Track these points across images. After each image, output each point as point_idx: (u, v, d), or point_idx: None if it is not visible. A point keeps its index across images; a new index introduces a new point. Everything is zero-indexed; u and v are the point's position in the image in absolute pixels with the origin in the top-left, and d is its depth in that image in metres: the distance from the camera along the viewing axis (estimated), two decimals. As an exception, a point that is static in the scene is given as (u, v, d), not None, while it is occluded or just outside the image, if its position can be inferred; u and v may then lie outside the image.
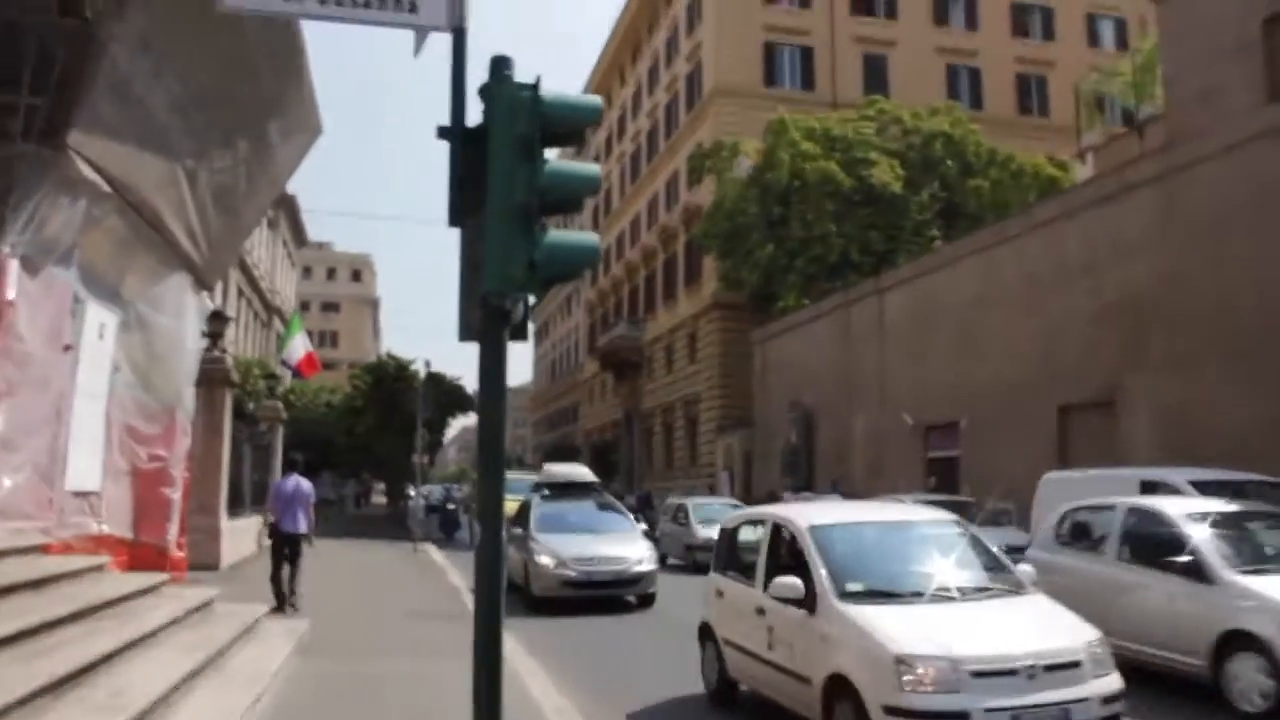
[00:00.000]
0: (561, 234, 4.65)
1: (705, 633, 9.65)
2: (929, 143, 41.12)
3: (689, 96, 52.98)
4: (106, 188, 11.56)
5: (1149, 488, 13.54)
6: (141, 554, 15.27)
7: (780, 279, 40.04)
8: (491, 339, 4.49)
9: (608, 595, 16.25)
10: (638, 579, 16.53)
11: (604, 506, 19.67)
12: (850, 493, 26.07)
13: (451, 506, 35.94)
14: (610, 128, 71.15)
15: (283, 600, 13.95)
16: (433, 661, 10.33)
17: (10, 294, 10.09)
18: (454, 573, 20.74)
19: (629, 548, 17.01)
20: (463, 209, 4.44)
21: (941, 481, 26.06)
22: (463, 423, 64.28)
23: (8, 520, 10.16)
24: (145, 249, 14.17)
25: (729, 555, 9.73)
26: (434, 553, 26.57)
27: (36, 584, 8.57)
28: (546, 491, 19.88)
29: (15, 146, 10.15)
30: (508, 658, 8.93)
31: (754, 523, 9.64)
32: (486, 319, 4.42)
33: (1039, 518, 15.46)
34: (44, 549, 10.71)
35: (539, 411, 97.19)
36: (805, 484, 32.50)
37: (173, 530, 15.83)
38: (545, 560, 16.28)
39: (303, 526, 14.59)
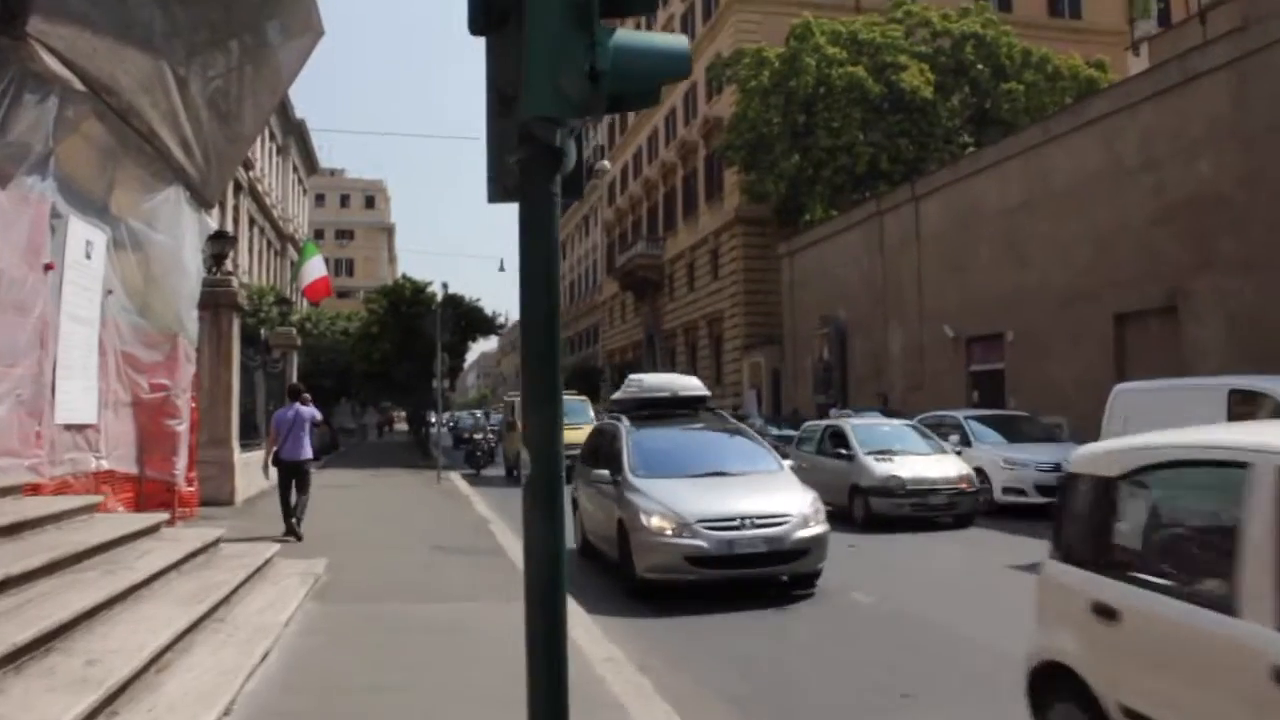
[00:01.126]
0: (637, 34, 3.33)
1: (1061, 685, 4.80)
2: (959, 46, 39.28)
3: (705, 4, 50.97)
4: (80, 85, 10.33)
5: (1239, 397, 12.33)
6: (148, 491, 14.38)
7: (806, 190, 38.63)
8: (536, 191, 3.16)
9: (756, 576, 10.52)
10: (803, 549, 10.55)
11: (728, 433, 13.43)
12: (893, 409, 24.93)
13: (480, 436, 31.92)
14: (624, 41, 68.96)
15: (290, 530, 14.16)
16: (465, 606, 9.31)
17: (-28, 204, 8.94)
18: (480, 502, 19.74)
19: (785, 499, 11.03)
20: (489, 8, 3.15)
21: (985, 395, 24.87)
22: (481, 347, 63.28)
23: (-14, 458, 9.14)
24: (134, 160, 12.97)
25: (1108, 534, 4.84)
26: (459, 481, 25.63)
27: (11, 530, 7.53)
28: (611, 414, 14.04)
29: (-33, 34, 8.91)
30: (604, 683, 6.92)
31: (1208, 466, 4.40)
32: (528, 164, 3.08)
33: (1111, 432, 14.35)
34: (33, 489, 9.69)
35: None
36: (840, 400, 31.36)
37: (180, 464, 14.84)
38: (656, 522, 10.46)
39: (306, 453, 14.80)
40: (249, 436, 20.11)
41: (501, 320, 40.53)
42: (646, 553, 10.55)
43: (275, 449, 14.93)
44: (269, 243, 57.85)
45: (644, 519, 10.63)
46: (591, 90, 2.90)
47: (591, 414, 26.34)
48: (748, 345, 44.57)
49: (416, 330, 32.12)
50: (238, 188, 46.34)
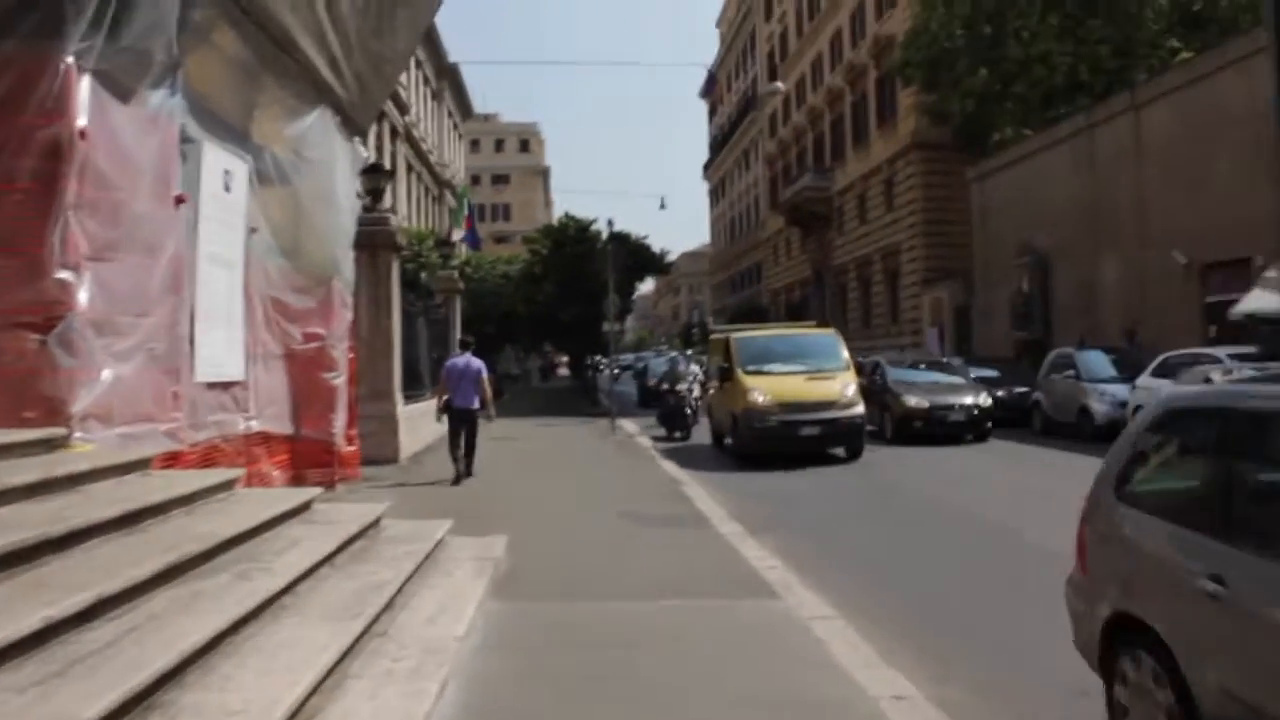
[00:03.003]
0: None
1: None
2: (1166, -65, 35.20)
3: (876, -88, 47.60)
4: (203, -20, 8.69)
5: None
6: (306, 452, 13.09)
7: (995, 108, 35.30)
8: None
9: None
10: None
11: None
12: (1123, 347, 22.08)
13: (683, 387, 23.74)
14: (785, -37, 65.88)
15: (459, 475, 14.79)
16: (681, 605, 7.44)
17: (81, 119, 7.38)
18: (665, 459, 17.95)
19: None
20: None
21: (1224, 331, 21.76)
22: (642, 290, 61.68)
23: (112, 425, 7.66)
24: (275, 80, 11.38)
25: None
26: (634, 431, 23.92)
27: (128, 521, 5.94)
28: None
29: (65, -88, 7.29)
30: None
31: None
32: None
33: None
34: (171, 459, 8.24)
35: (719, 275, 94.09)
36: (1042, 337, 28.45)
37: (339, 421, 13.44)
38: None
39: (476, 402, 15.08)
40: (412, 387, 18.78)
41: (669, 259, 38.68)
42: None
43: (446, 397, 15.14)
44: (426, 189, 57.32)
45: None
46: None
47: (846, 355, 19.17)
48: (927, 280, 41.66)
49: (582, 270, 30.55)
50: (394, 133, 45.55)
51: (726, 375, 19.08)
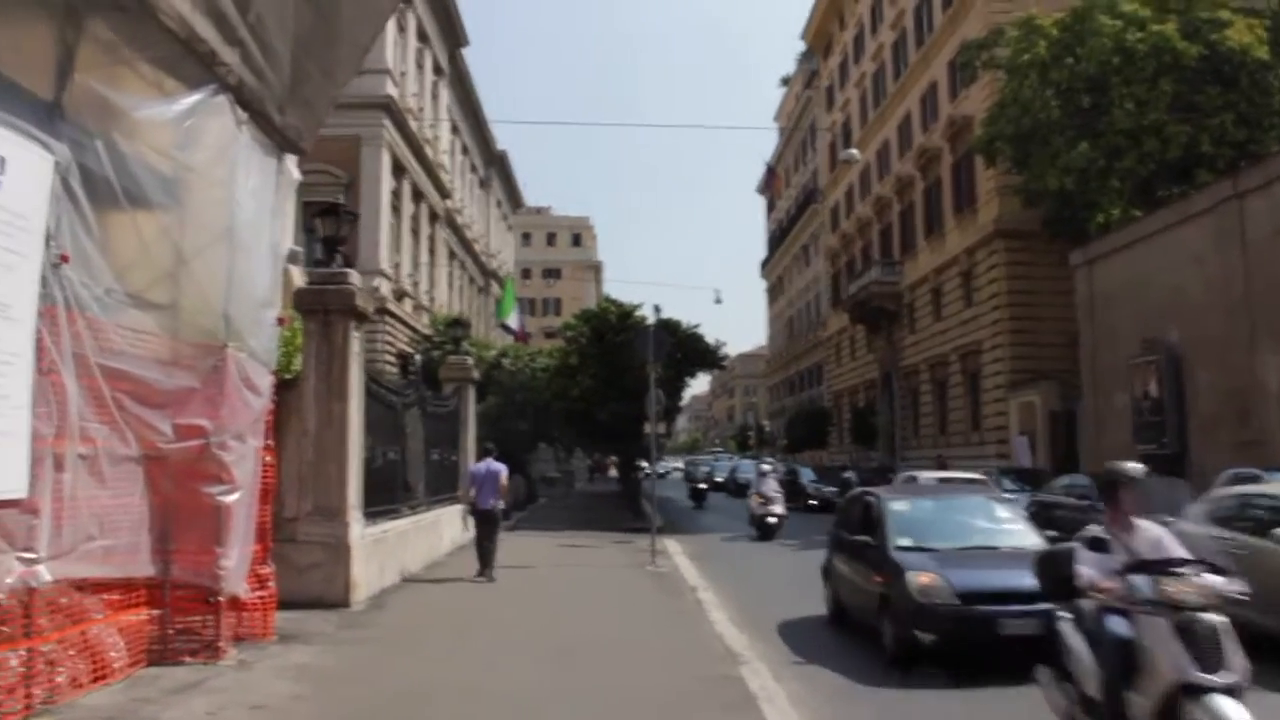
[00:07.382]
0: None
1: None
2: (1294, -4, 30.99)
3: (944, -12, 43.90)
4: None
5: None
6: (179, 603, 8.80)
7: (1098, 187, 30.74)
8: None
9: None
10: None
11: None
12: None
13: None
14: (845, 50, 62.45)
15: (481, 571, 15.58)
16: None
17: None
18: (715, 604, 13.11)
19: None
20: None
21: None
22: (693, 388, 57.29)
23: None
24: (115, 27, 7.29)
25: None
26: (678, 555, 19.30)
27: None
28: None
29: None
30: None
31: None
32: None
33: None
34: None
35: (776, 376, 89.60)
36: (1177, 452, 23.49)
37: (232, 557, 9.02)
38: None
39: (494, 503, 15.92)
40: (387, 501, 14.49)
41: (724, 351, 34.09)
42: None
43: (473, 501, 16.11)
44: (471, 278, 53.93)
45: None
46: None
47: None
48: (1015, 383, 36.84)
49: (623, 362, 26.13)
50: (434, 216, 42.09)
51: None
